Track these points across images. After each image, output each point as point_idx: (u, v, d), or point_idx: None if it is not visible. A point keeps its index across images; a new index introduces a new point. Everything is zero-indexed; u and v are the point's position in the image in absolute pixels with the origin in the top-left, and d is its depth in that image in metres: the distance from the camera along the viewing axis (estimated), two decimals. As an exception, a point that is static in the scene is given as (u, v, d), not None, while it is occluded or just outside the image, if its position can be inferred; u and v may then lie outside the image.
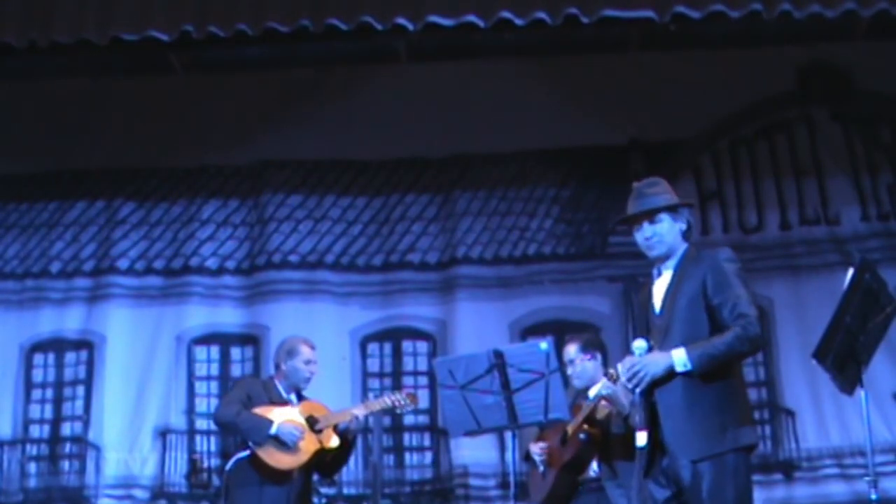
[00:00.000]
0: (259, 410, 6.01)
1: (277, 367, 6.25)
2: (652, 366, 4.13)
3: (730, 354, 4.15)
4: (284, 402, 6.12)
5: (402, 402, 6.21)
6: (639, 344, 4.24)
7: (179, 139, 8.65)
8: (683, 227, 4.40)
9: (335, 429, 6.05)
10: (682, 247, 4.38)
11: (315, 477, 6.35)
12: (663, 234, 4.35)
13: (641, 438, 4.21)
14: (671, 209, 4.38)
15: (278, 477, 5.93)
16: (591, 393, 5.66)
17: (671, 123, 8.36)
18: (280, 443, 5.92)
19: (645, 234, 4.35)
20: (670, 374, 4.13)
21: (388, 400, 6.18)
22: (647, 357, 4.17)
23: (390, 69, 8.60)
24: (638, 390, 4.16)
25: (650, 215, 4.36)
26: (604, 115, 8.42)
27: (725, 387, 4.19)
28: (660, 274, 4.38)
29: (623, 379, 4.19)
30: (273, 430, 5.90)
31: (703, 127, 8.49)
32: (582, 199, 8.53)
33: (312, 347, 6.25)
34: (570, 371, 5.73)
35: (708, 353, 4.11)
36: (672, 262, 4.35)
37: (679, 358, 4.11)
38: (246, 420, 5.94)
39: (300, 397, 6.22)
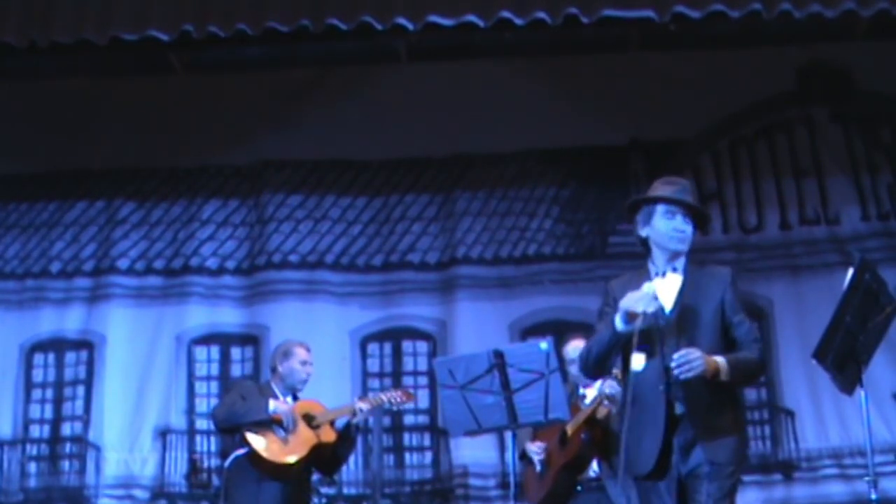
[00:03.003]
0: None
1: (274, 370, 6.29)
2: (703, 362, 4.08)
3: (753, 378, 4.42)
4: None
5: (398, 400, 6.23)
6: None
7: (179, 139, 8.65)
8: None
9: (332, 425, 6.08)
10: (683, 260, 4.37)
11: (315, 476, 6.37)
12: (689, 235, 4.34)
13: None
14: (701, 225, 4.42)
15: (276, 473, 5.95)
16: (591, 392, 5.67)
17: (671, 123, 8.37)
18: (278, 435, 5.94)
19: (680, 226, 4.30)
20: (704, 376, 4.12)
21: (384, 397, 6.21)
22: (700, 353, 4.09)
23: (390, 69, 8.60)
24: (684, 377, 4.05)
25: (692, 213, 4.35)
26: (604, 115, 8.42)
27: (740, 395, 4.36)
28: (663, 275, 4.32)
29: (673, 364, 4.05)
30: (271, 408, 5.93)
31: (703, 127, 8.49)
32: (582, 199, 8.53)
33: (308, 349, 6.29)
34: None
35: (741, 370, 4.18)
36: (679, 267, 4.32)
37: (722, 366, 4.12)
38: (241, 406, 5.99)
39: (296, 399, 6.24)
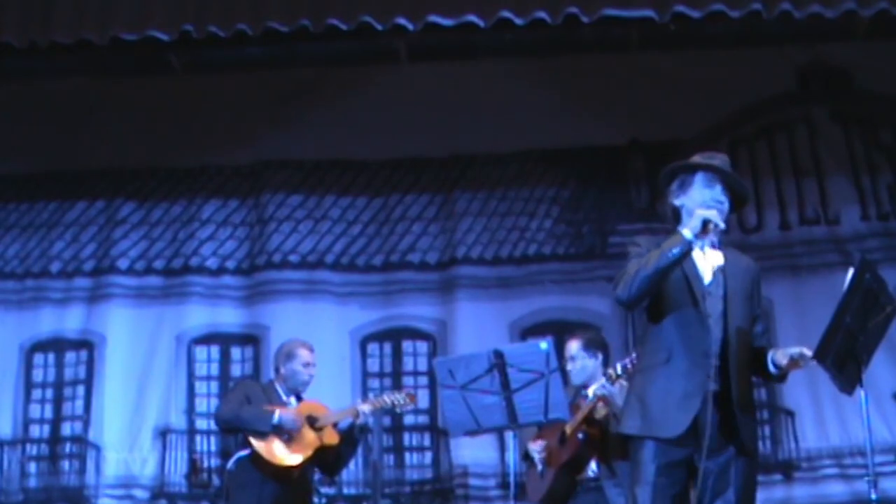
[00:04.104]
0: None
1: (277, 370, 6.29)
2: None
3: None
4: (283, 405, 6.14)
5: (402, 402, 6.22)
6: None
7: (179, 139, 8.65)
8: (724, 226, 4.27)
9: (335, 426, 6.08)
10: (716, 236, 4.24)
11: (316, 476, 6.37)
12: (726, 209, 4.24)
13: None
14: (737, 206, 4.34)
15: (279, 475, 5.95)
16: (591, 392, 5.67)
17: (671, 123, 8.36)
18: (282, 438, 5.94)
19: (718, 196, 4.19)
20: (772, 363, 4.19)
21: (387, 399, 6.20)
22: None
23: (390, 69, 8.60)
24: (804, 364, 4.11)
25: (733, 189, 4.26)
26: (604, 115, 8.42)
27: None
28: (701, 248, 4.18)
29: (806, 353, 4.09)
30: (276, 419, 5.92)
31: (703, 127, 8.48)
32: (582, 199, 8.52)
33: (311, 350, 6.28)
34: (569, 367, 5.72)
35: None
36: (715, 242, 4.20)
37: None
38: (247, 412, 5.98)
39: (299, 399, 6.23)
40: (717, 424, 4.02)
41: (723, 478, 4.04)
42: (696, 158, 4.33)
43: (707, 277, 4.16)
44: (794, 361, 4.12)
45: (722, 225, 4.09)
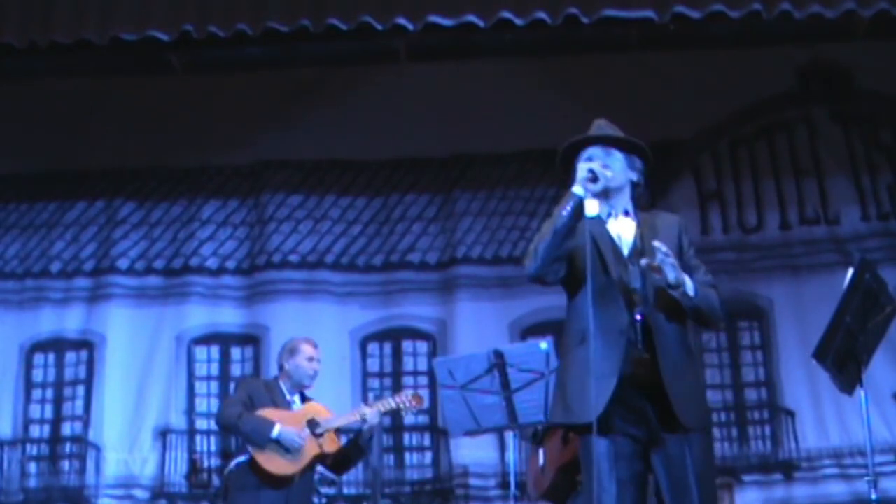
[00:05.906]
0: (262, 413, 6.02)
1: (281, 367, 6.29)
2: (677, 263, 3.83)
3: (715, 309, 4.00)
4: (287, 404, 6.14)
5: (408, 404, 6.20)
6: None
7: (179, 139, 8.65)
8: (634, 178, 4.12)
9: (337, 433, 6.07)
10: (630, 201, 4.10)
11: (316, 476, 6.36)
12: (615, 170, 4.06)
13: (592, 207, 3.94)
14: (629, 149, 4.17)
15: (277, 482, 5.94)
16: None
17: (671, 123, 8.35)
18: (281, 447, 5.93)
19: (597, 163, 4.02)
20: (668, 292, 3.84)
21: (392, 401, 6.18)
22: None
23: (390, 69, 8.60)
24: (670, 275, 3.78)
25: (605, 142, 4.14)
26: (604, 115, 8.39)
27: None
28: (615, 216, 4.07)
29: (663, 249, 3.78)
30: (275, 434, 5.90)
31: (703, 127, 8.49)
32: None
33: (315, 346, 6.29)
34: None
35: (706, 297, 3.92)
36: (630, 210, 4.08)
37: (689, 281, 3.87)
38: (248, 423, 5.95)
39: (304, 397, 6.23)
40: (654, 412, 3.80)
41: (680, 463, 3.78)
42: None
43: (626, 248, 3.99)
44: (653, 267, 3.81)
45: (609, 174, 3.97)
